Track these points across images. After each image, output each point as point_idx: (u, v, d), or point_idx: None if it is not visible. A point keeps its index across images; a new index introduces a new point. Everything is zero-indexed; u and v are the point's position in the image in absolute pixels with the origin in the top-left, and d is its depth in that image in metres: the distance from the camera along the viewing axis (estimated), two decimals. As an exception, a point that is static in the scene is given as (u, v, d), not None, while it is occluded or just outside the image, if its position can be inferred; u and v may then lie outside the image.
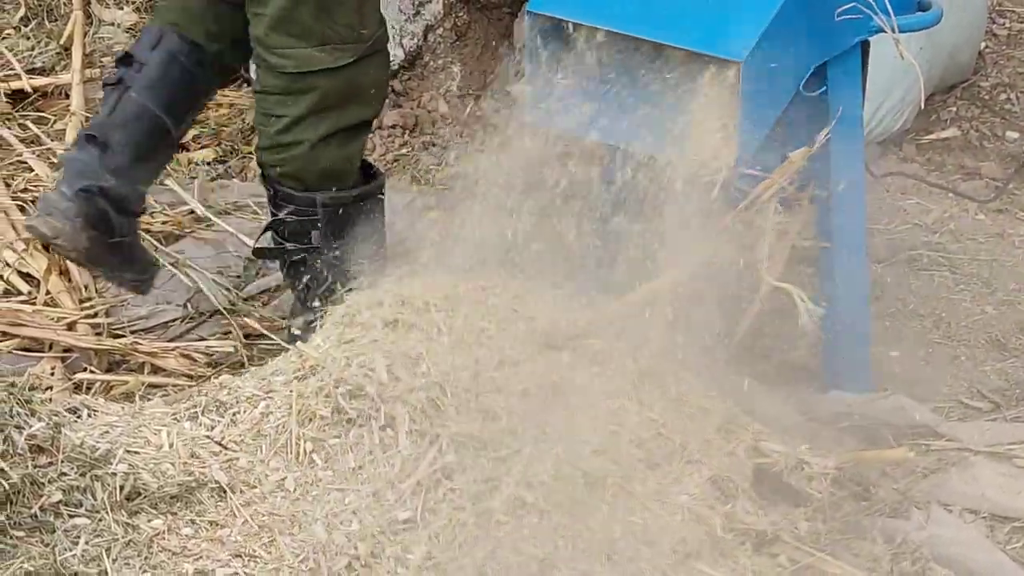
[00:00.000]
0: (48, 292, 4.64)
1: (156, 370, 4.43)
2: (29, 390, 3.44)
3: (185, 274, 4.82)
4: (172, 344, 4.49)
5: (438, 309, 3.75)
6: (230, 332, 4.62)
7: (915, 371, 4.65)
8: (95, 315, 4.60)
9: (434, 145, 5.92)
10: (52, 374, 4.31)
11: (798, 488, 3.79)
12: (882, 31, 3.99)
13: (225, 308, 4.70)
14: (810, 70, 3.97)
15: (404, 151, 5.88)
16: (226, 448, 3.47)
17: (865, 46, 4.18)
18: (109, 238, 4.21)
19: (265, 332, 4.57)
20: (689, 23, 3.86)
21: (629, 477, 3.56)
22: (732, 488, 3.69)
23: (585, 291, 4.47)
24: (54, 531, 3.07)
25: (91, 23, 6.30)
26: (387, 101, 6.02)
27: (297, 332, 4.19)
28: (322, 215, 4.33)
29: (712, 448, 3.73)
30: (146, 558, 3.13)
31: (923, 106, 5.88)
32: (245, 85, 6.26)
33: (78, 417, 3.54)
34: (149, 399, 3.96)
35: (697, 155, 3.93)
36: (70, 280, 4.72)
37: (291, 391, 3.56)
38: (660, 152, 4.04)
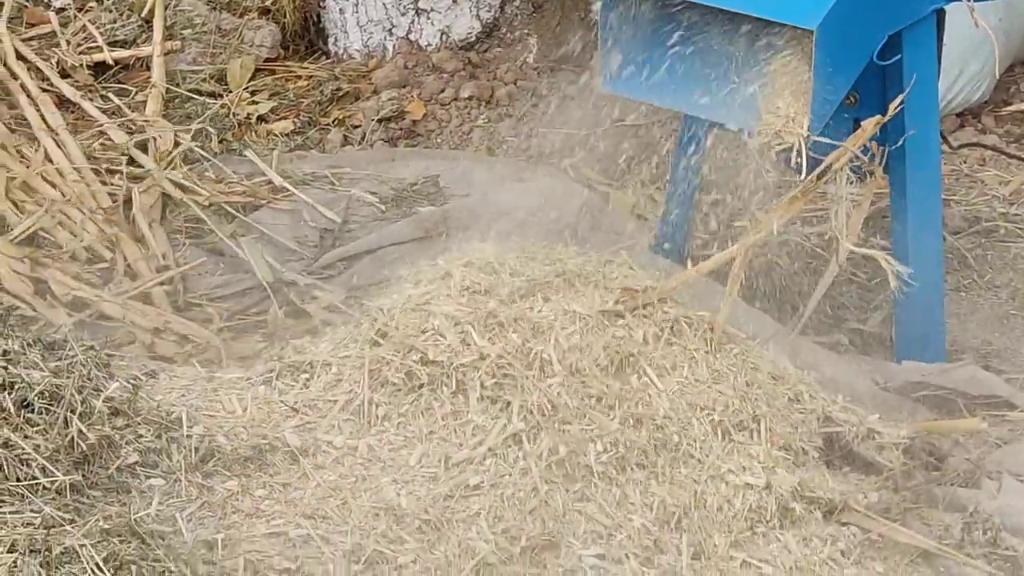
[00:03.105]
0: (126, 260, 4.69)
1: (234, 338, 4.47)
2: (107, 354, 3.49)
3: (239, 247, 4.85)
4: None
5: (511, 274, 3.77)
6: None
7: (990, 342, 4.62)
8: (171, 282, 4.65)
9: (510, 116, 5.93)
10: (133, 341, 4.36)
11: (869, 457, 3.79)
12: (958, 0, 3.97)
13: (269, 283, 4.72)
14: (884, 38, 3.95)
15: (480, 122, 5.91)
16: (299, 412, 3.51)
17: (940, 15, 4.16)
18: None
19: (304, 308, 4.60)
20: (762, -10, 3.85)
21: (700, 445, 3.57)
22: (803, 457, 3.69)
23: (658, 259, 4.50)
24: (130, 491, 3.12)
25: (172, -5, 6.37)
26: (464, 73, 6.06)
27: None
28: None
29: (783, 417, 3.72)
30: (220, 519, 3.18)
31: (999, 76, 5.82)
32: (324, 57, 6.32)
33: (155, 380, 3.60)
34: (226, 365, 4.04)
35: (770, 124, 3.92)
36: (147, 248, 4.77)
37: (364, 356, 3.59)
38: (733, 121, 4.05)
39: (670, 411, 3.58)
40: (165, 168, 5.19)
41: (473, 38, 6.26)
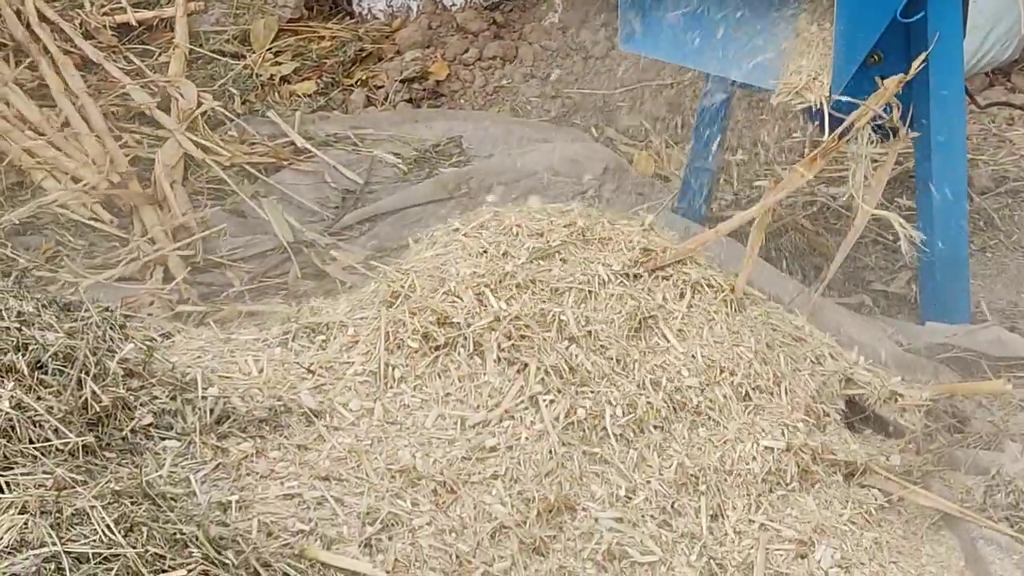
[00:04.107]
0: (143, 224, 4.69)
1: (253, 299, 4.47)
2: (124, 316, 3.48)
3: (260, 207, 4.84)
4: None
5: (529, 234, 3.74)
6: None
7: (1016, 303, 4.57)
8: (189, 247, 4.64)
9: (534, 77, 5.90)
10: (151, 303, 4.35)
11: (891, 420, 3.76)
12: (986, -44, 3.92)
13: (290, 243, 4.71)
14: (908, -5, 3.91)
15: (504, 83, 5.87)
16: (315, 373, 3.49)
17: (968, -29, 4.10)
18: None
19: (326, 271, 4.58)
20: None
21: (719, 408, 3.54)
22: (824, 419, 3.66)
23: (680, 219, 4.46)
24: (143, 453, 3.10)
25: (195, -44, 6.35)
26: (488, 33, 6.03)
27: None
28: None
29: (805, 379, 3.69)
30: (234, 480, 3.16)
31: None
32: (347, 18, 6.29)
33: (171, 342, 3.58)
34: (244, 327, 4.02)
35: (792, 83, 3.88)
36: (167, 209, 4.76)
37: (380, 318, 3.57)
38: (755, 80, 4.01)
39: (689, 373, 3.55)
40: (187, 129, 5.16)
41: (497, -2, 6.23)
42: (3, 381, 3.01)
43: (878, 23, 3.84)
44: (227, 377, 3.45)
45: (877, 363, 3.91)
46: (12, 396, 2.98)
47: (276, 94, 5.71)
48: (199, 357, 3.53)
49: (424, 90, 5.80)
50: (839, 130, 3.72)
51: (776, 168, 4.91)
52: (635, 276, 3.69)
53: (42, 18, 5.74)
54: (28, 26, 5.65)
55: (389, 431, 3.39)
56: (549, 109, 5.70)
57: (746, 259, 3.75)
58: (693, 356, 3.59)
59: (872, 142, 3.82)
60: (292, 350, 3.58)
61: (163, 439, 3.18)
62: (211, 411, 3.28)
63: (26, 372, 3.05)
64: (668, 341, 3.61)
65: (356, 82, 5.84)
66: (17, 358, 3.06)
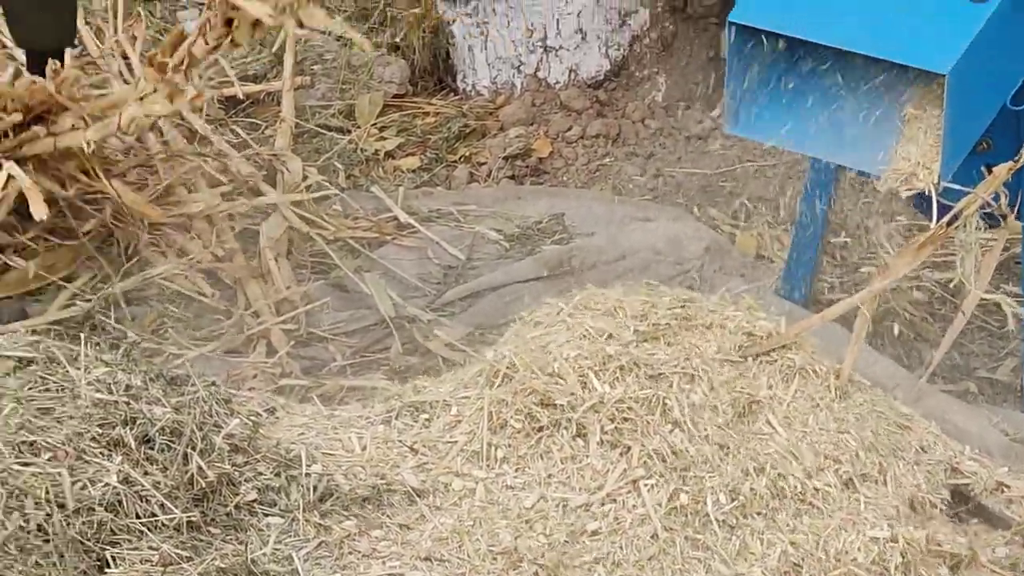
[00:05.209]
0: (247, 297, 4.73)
1: (355, 373, 4.49)
2: (229, 391, 3.51)
3: (363, 282, 4.87)
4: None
5: (632, 316, 3.74)
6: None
7: None
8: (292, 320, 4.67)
9: (637, 155, 5.90)
10: (255, 376, 4.39)
11: (996, 511, 3.71)
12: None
13: (391, 318, 4.74)
14: (1019, 82, 3.87)
15: (607, 160, 5.88)
16: (418, 452, 3.50)
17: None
18: None
19: (428, 347, 4.60)
20: (892, 35, 3.78)
21: (823, 496, 3.51)
22: (929, 510, 3.62)
23: (783, 302, 4.44)
24: (247, 529, 3.12)
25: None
26: (591, 111, 6.05)
27: None
28: None
29: (909, 467, 3.66)
30: (336, 559, 3.17)
31: None
32: (452, 94, 6.34)
33: (275, 417, 3.61)
34: (347, 403, 4.04)
35: (901, 169, 3.86)
36: (271, 283, 4.80)
37: (483, 398, 3.58)
38: (862, 166, 3.99)
39: (794, 460, 3.53)
40: (292, 203, 5.21)
41: (601, 76, 6.24)
42: (111, 455, 3.04)
43: (988, 111, 3.82)
44: (331, 454, 3.47)
45: (983, 452, 3.86)
46: (120, 470, 3.02)
47: (380, 169, 5.75)
48: (303, 433, 3.55)
49: (527, 167, 5.82)
50: (947, 217, 3.69)
51: (880, 252, 4.88)
52: (739, 360, 3.67)
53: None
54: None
55: (491, 512, 3.39)
56: (651, 188, 5.70)
57: (852, 346, 3.73)
58: (798, 443, 3.57)
59: (980, 228, 3.79)
60: (395, 428, 3.60)
61: (267, 516, 3.20)
62: (315, 488, 3.30)
63: (134, 446, 3.08)
64: (772, 427, 3.59)
65: (459, 158, 5.87)
66: (125, 432, 3.10)
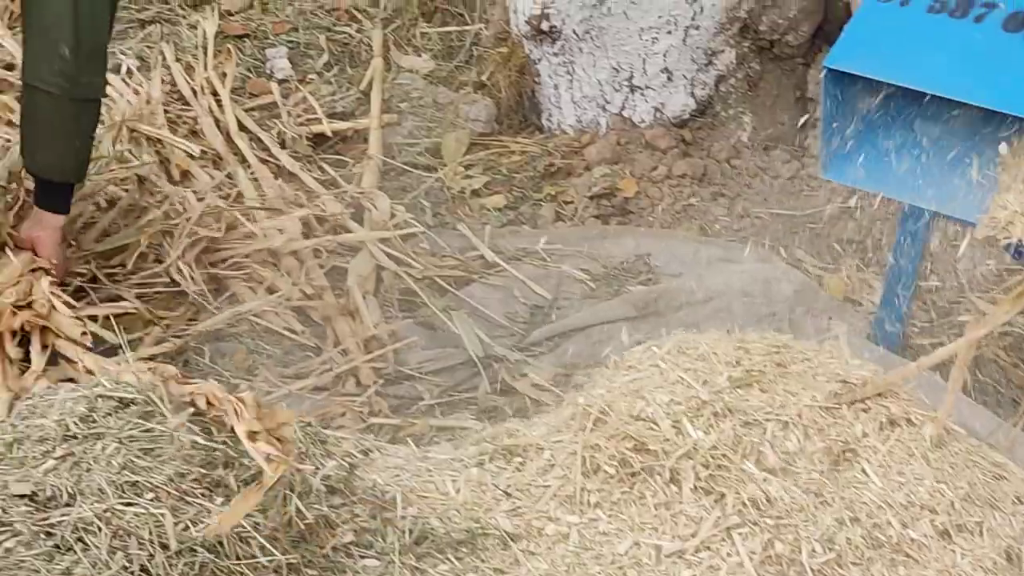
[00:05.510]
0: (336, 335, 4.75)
1: (443, 412, 4.50)
2: (323, 430, 3.53)
3: (451, 320, 4.89)
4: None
5: (725, 362, 3.73)
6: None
7: None
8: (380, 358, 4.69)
9: (723, 196, 5.90)
10: (343, 415, 4.41)
11: (1096, 563, 3.67)
12: None
13: (479, 357, 4.75)
14: (1121, 132, 3.84)
15: (693, 201, 5.88)
16: (511, 496, 3.50)
17: None
18: None
19: (516, 387, 4.60)
20: (990, 81, 3.76)
21: (919, 547, 3.48)
22: (1026, 561, 3.59)
23: (875, 347, 4.42)
24: (345, 571, 3.14)
25: (390, 69, 6.47)
26: (676, 150, 6.05)
27: None
28: None
29: (1006, 518, 3.62)
30: (432, 603, 3.19)
31: None
32: (537, 133, 6.35)
33: (370, 459, 3.62)
34: (436, 443, 4.05)
35: (997, 217, 3.83)
36: (359, 320, 4.82)
37: (576, 442, 3.58)
38: (959, 213, 3.96)
39: (889, 510, 3.50)
40: (379, 240, 5.24)
41: (687, 115, 6.24)
42: (212, 496, 3.06)
43: (1089, 159, 3.79)
44: (425, 496, 3.48)
45: (1080, 504, 3.82)
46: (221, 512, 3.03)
47: (466, 207, 5.77)
48: (397, 475, 3.56)
49: (613, 206, 5.82)
50: (1046, 266, 3.67)
51: (971, 296, 4.85)
52: (834, 408, 3.66)
53: (241, 127, 5.88)
54: (227, 136, 5.79)
55: (584, 557, 3.39)
56: (737, 229, 5.69)
57: (948, 395, 3.70)
58: (893, 492, 3.54)
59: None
60: (488, 471, 3.60)
61: (363, 558, 3.21)
62: (410, 531, 3.31)
63: (234, 488, 3.10)
64: (868, 476, 3.57)
65: (545, 196, 5.88)
66: (226, 474, 3.12)
